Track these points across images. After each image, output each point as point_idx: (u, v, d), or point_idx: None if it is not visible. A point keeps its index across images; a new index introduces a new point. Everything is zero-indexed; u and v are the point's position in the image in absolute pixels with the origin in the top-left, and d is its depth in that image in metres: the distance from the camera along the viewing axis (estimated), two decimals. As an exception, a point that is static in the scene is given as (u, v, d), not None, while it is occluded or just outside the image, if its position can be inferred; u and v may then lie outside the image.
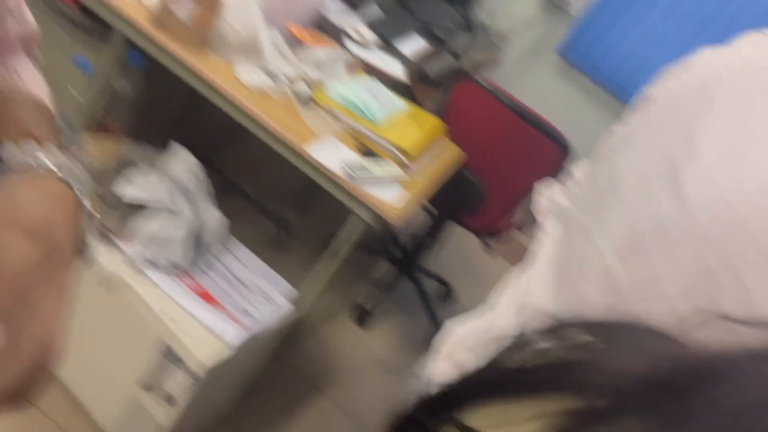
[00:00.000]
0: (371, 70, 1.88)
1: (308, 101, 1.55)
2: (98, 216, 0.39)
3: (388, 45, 2.13)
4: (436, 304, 2.61)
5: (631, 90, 3.24)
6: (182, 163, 1.45)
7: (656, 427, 0.18)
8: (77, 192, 0.39)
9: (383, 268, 2.68)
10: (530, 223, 2.11)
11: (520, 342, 0.26)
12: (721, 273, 0.49)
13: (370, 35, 2.05)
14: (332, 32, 1.93)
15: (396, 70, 2.01)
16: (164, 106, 2.05)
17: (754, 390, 0.19)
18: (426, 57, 2.31)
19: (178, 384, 1.36)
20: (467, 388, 0.25)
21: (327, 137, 1.49)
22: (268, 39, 1.54)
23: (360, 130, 1.57)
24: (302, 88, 1.53)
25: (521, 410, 0.22)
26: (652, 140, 0.59)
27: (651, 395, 0.19)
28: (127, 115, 1.64)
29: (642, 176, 0.57)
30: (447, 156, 1.78)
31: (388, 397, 2.13)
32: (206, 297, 1.45)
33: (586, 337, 0.24)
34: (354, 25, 2.04)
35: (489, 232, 2.21)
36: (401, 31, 2.28)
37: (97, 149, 1.39)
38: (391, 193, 1.45)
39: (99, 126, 1.60)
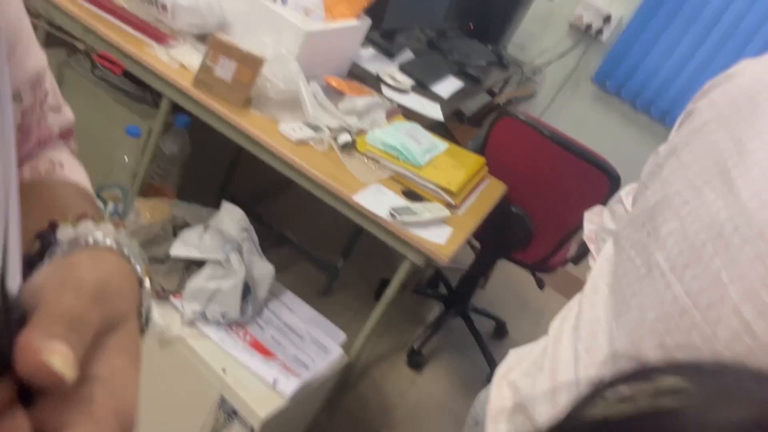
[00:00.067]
0: (410, 114, 1.90)
1: (351, 150, 1.57)
2: (155, 289, 0.39)
3: (423, 88, 2.16)
4: (490, 342, 2.56)
5: (674, 112, 3.19)
6: (232, 218, 1.48)
7: None
8: (135, 265, 0.39)
9: (434, 309, 2.66)
10: (583, 254, 2.07)
11: (599, 389, 0.24)
12: None
13: (405, 80, 2.08)
14: (369, 80, 1.97)
15: (433, 111, 2.03)
16: (212, 165, 2.11)
17: None
18: (462, 96, 2.33)
19: (236, 438, 1.36)
20: None
21: (372, 184, 1.50)
22: (309, 93, 1.58)
23: (404, 173, 1.58)
24: (344, 137, 1.55)
25: None
26: (699, 149, 0.59)
27: None
28: (176, 176, 1.69)
29: (692, 184, 0.57)
30: (492, 192, 1.78)
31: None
32: (259, 348, 1.46)
33: (675, 382, 0.23)
34: (389, 71, 2.08)
35: (541, 267, 2.17)
36: (436, 73, 2.31)
37: (151, 212, 1.43)
38: (439, 234, 1.44)
39: (151, 189, 1.65)
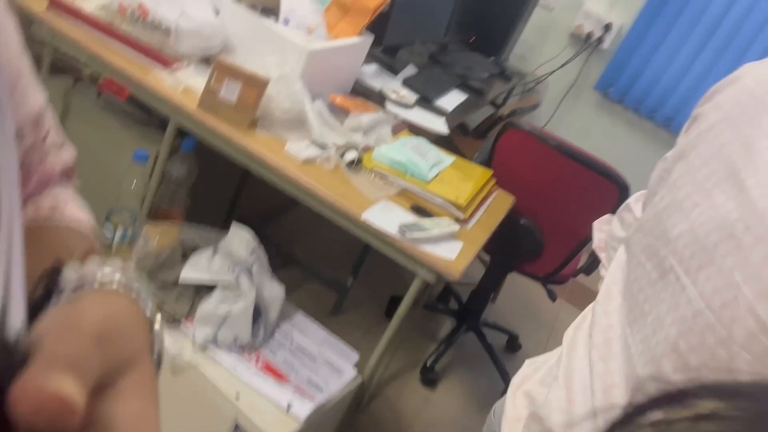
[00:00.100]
0: (415, 129, 1.90)
1: (358, 167, 1.56)
2: (167, 314, 0.38)
3: (427, 102, 2.15)
4: (503, 356, 2.54)
5: (678, 118, 3.18)
6: (241, 240, 1.47)
7: None
8: (143, 302, 0.38)
9: (446, 325, 2.63)
10: (594, 264, 2.05)
11: (631, 414, 0.23)
12: None
13: (409, 95, 2.08)
14: (373, 96, 1.97)
15: (438, 125, 2.02)
16: (220, 186, 2.11)
17: None
18: (466, 109, 2.32)
19: (251, 463, 1.34)
20: None
21: (380, 201, 1.49)
22: (314, 112, 1.57)
23: (412, 189, 1.57)
24: (351, 155, 1.55)
25: None
26: (707, 152, 0.59)
27: None
28: (185, 199, 1.69)
29: (701, 187, 0.57)
30: (500, 205, 1.76)
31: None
32: (272, 371, 1.45)
33: (715, 406, 0.21)
34: (393, 86, 2.08)
35: (552, 278, 2.15)
36: (439, 87, 2.31)
37: (160, 236, 1.43)
38: (449, 249, 1.43)
39: (159, 213, 1.65)
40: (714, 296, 0.52)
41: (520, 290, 2.94)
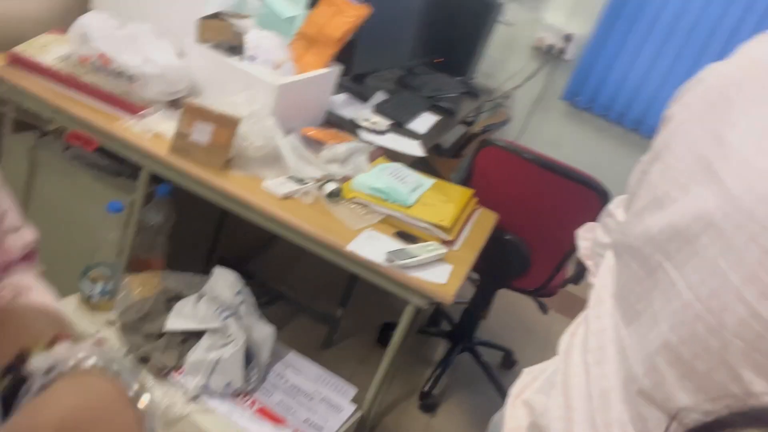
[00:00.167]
0: (391, 154, 1.89)
1: (338, 198, 1.55)
2: (148, 398, 0.36)
3: (400, 126, 2.16)
4: (499, 373, 2.51)
5: (647, 120, 3.23)
6: (225, 282, 1.44)
7: None
8: (124, 381, 0.36)
9: (439, 347, 2.60)
10: (582, 273, 2.04)
11: None
12: None
13: (381, 120, 2.08)
14: (345, 125, 1.96)
15: (413, 148, 2.02)
16: (198, 229, 2.07)
17: None
18: (438, 130, 2.33)
19: None
20: None
21: (364, 230, 1.47)
22: (288, 146, 1.56)
23: (394, 215, 1.56)
24: (330, 186, 1.53)
25: None
26: (681, 149, 0.60)
27: None
28: (163, 245, 1.65)
29: (678, 183, 0.58)
30: (484, 223, 1.76)
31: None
32: (268, 415, 1.40)
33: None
34: (364, 114, 2.08)
35: (542, 291, 2.14)
36: (410, 110, 2.32)
37: (141, 287, 1.39)
38: (439, 273, 1.41)
39: (139, 262, 1.60)
40: (701, 286, 0.52)
41: (510, 305, 2.93)
